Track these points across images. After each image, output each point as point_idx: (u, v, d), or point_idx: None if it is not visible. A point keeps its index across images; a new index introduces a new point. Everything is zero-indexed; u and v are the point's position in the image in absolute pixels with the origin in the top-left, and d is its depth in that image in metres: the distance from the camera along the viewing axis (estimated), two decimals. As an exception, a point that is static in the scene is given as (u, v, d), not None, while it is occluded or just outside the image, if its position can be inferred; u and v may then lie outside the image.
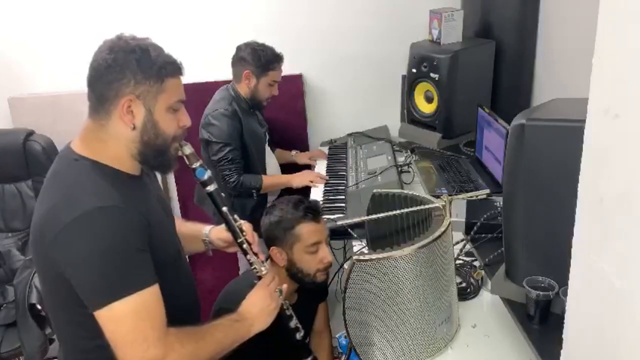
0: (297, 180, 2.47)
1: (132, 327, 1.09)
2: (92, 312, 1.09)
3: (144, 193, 1.27)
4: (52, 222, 1.10)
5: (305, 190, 2.44)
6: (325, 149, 2.87)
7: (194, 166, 1.30)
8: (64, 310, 1.19)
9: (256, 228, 1.72)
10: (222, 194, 1.37)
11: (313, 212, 1.65)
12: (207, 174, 1.33)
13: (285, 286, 1.45)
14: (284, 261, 1.65)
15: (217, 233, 1.54)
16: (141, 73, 1.14)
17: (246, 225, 1.45)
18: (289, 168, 2.75)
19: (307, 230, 1.63)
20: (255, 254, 1.42)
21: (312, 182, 2.45)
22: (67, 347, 1.27)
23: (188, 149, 1.28)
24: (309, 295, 1.80)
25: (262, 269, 1.42)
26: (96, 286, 1.09)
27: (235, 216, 1.41)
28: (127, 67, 1.13)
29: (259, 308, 1.34)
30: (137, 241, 1.12)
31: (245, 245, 1.40)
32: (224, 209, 1.37)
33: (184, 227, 1.52)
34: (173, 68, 1.19)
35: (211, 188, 1.35)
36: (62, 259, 1.09)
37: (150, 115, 1.17)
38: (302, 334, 1.56)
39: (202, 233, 1.56)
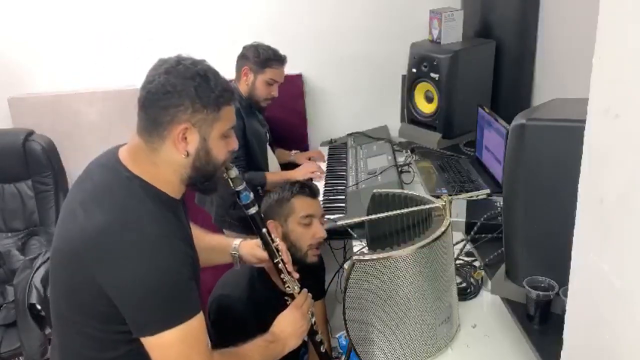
0: (300, 173, 2.49)
1: (180, 354, 1.13)
2: (138, 336, 1.11)
3: (184, 217, 1.28)
4: (103, 238, 1.09)
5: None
6: (325, 149, 2.87)
7: (238, 189, 1.33)
8: (77, 319, 1.18)
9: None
10: (262, 215, 1.43)
11: (309, 188, 1.77)
12: (251, 197, 1.36)
13: (314, 309, 1.52)
14: (279, 234, 1.67)
15: (249, 249, 1.55)
16: (199, 101, 1.12)
17: (282, 245, 1.48)
18: (289, 168, 2.75)
19: (301, 203, 1.73)
20: (289, 273, 1.47)
21: (313, 173, 2.48)
22: (68, 354, 1.26)
23: (234, 172, 1.30)
24: (307, 284, 1.81)
25: (296, 287, 1.47)
26: (148, 314, 1.11)
27: (273, 236, 1.45)
28: (185, 94, 1.11)
29: (292, 329, 1.39)
30: (188, 271, 1.14)
31: (280, 265, 1.45)
32: (264, 230, 1.41)
33: (208, 238, 1.54)
34: (230, 95, 1.18)
35: (253, 211, 1.38)
36: (111, 279, 1.09)
37: (204, 143, 1.16)
38: (325, 346, 1.63)
39: (230, 246, 1.58)
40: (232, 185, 1.31)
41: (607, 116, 0.70)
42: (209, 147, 1.17)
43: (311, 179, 2.45)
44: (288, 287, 1.47)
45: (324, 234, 1.75)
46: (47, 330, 2.22)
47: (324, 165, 2.67)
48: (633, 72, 0.64)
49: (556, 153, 1.22)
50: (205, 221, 2.56)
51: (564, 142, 1.18)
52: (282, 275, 1.46)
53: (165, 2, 2.74)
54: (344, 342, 2.39)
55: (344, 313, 1.31)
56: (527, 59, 2.50)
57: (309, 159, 2.78)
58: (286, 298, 1.50)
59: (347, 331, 1.33)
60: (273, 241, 1.44)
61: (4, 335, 2.30)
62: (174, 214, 1.20)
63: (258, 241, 1.49)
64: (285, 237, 1.69)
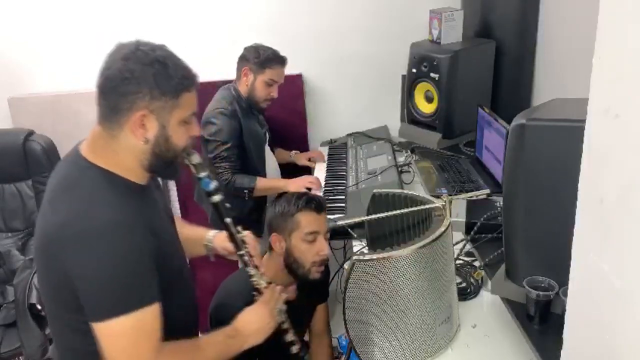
0: (293, 185, 2.40)
1: (129, 344, 1.11)
2: (92, 322, 1.10)
3: (153, 204, 1.27)
4: (66, 231, 1.09)
5: (305, 190, 2.44)
6: (325, 149, 2.87)
7: (200, 176, 1.28)
8: (64, 315, 1.19)
9: (253, 229, 1.72)
10: (227, 205, 1.36)
11: (316, 202, 1.67)
12: (213, 185, 1.31)
13: (284, 306, 1.45)
14: (282, 249, 1.66)
15: (221, 241, 1.53)
16: (158, 89, 1.11)
17: (249, 237, 1.44)
18: (288, 168, 2.75)
19: (306, 218, 1.64)
20: (256, 267, 1.41)
21: (308, 188, 2.38)
22: (63, 351, 1.27)
23: (195, 159, 1.26)
24: (309, 294, 1.80)
25: (262, 282, 1.41)
26: (100, 300, 1.10)
27: (239, 227, 1.40)
28: (143, 81, 1.10)
29: (257, 326, 1.34)
30: (146, 259, 1.13)
31: (246, 258, 1.40)
32: (227, 220, 1.35)
33: (186, 229, 1.51)
34: (189, 82, 1.17)
35: (216, 198, 1.33)
36: (73, 268, 1.09)
37: (163, 130, 1.16)
38: (298, 347, 1.56)
39: (204, 238, 1.56)
40: (194, 171, 1.27)
41: (607, 116, 0.70)
42: (168, 134, 1.16)
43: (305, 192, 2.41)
44: (254, 280, 1.41)
45: (327, 252, 1.68)
46: (47, 330, 2.22)
47: (324, 165, 2.67)
48: (633, 72, 0.64)
49: (556, 153, 1.22)
50: (205, 220, 2.56)
51: (564, 142, 1.18)
52: (248, 269, 1.41)
53: (165, 2, 2.74)
54: (344, 342, 2.39)
55: (344, 313, 1.31)
56: (527, 59, 2.50)
57: (309, 160, 2.77)
58: (254, 293, 1.42)
59: (347, 331, 1.33)
60: (239, 232, 1.38)
61: (4, 335, 2.30)
62: (140, 200, 1.19)
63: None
64: (288, 253, 1.66)
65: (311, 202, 1.66)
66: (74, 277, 1.09)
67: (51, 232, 1.12)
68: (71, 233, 1.09)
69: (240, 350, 1.32)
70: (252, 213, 2.42)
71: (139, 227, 1.13)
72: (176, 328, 1.21)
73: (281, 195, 1.74)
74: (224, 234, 1.50)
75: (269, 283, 1.44)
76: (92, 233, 1.08)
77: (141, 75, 1.10)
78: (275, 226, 1.68)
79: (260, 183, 2.38)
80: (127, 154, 1.17)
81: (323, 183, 2.45)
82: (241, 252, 1.39)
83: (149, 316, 1.12)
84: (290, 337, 1.51)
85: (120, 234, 1.09)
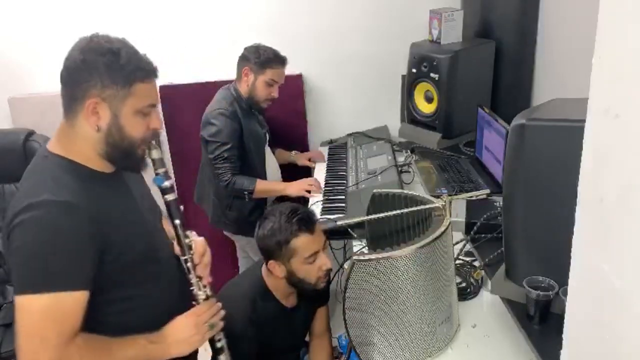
0: (292, 189, 2.40)
1: (36, 324, 1.09)
2: (14, 296, 1.10)
3: (116, 191, 1.27)
4: (9, 213, 1.13)
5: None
6: (325, 149, 2.87)
7: (156, 172, 1.29)
8: None
9: (253, 230, 1.72)
10: (181, 207, 1.33)
11: (307, 223, 1.60)
12: (167, 183, 1.29)
13: (221, 324, 1.37)
14: (282, 272, 1.63)
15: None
16: (108, 77, 1.15)
17: (199, 245, 1.39)
18: (288, 169, 2.75)
19: (303, 243, 1.59)
20: (199, 277, 1.35)
21: (307, 191, 2.38)
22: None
23: (156, 153, 1.27)
24: (309, 298, 1.80)
25: (200, 293, 1.35)
26: (20, 272, 1.10)
27: (189, 232, 1.36)
28: (95, 69, 1.14)
29: (181, 336, 1.27)
30: (84, 244, 1.12)
31: (189, 264, 1.34)
32: (176, 221, 1.32)
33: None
34: (143, 73, 1.19)
35: (169, 197, 1.31)
36: (9, 240, 1.12)
37: (115, 119, 1.18)
38: None
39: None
40: (152, 166, 1.28)
41: (607, 116, 0.70)
42: (121, 124, 1.19)
43: (304, 197, 2.39)
44: (192, 289, 1.34)
45: (330, 265, 1.65)
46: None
47: (324, 166, 2.67)
48: (633, 72, 0.64)
49: (556, 153, 1.22)
50: (206, 220, 2.56)
51: (564, 142, 1.18)
52: (189, 276, 1.34)
53: (165, 2, 2.74)
54: (344, 342, 2.39)
55: (344, 313, 1.31)
56: (527, 59, 2.50)
57: (309, 160, 2.78)
58: (193, 302, 1.34)
59: (347, 331, 1.33)
60: (187, 236, 1.34)
61: (4, 335, 2.30)
62: (101, 187, 1.21)
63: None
64: (290, 274, 1.63)
65: (302, 224, 1.58)
66: (7, 251, 1.12)
67: (6, 217, 1.15)
68: (14, 212, 1.11)
69: (162, 359, 1.25)
70: (252, 214, 2.42)
71: (85, 212, 1.13)
72: (157, 316, 1.23)
73: (266, 216, 1.65)
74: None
75: (209, 297, 1.36)
76: (27, 208, 1.10)
77: (93, 65, 1.15)
78: (270, 254, 1.63)
79: (260, 185, 2.37)
80: (83, 143, 1.20)
81: (323, 183, 2.45)
82: (185, 257, 1.34)
83: (69, 301, 1.11)
84: (224, 358, 1.42)
85: (58, 214, 1.10)
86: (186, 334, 1.28)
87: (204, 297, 1.35)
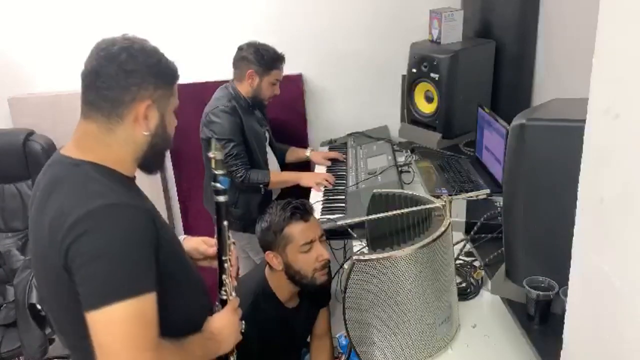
0: (306, 178, 2.46)
1: (127, 333, 1.03)
2: (86, 311, 1.04)
3: (140, 194, 1.26)
4: (61, 221, 1.06)
5: (307, 191, 2.44)
6: (325, 149, 2.87)
7: (219, 172, 1.27)
8: (68, 310, 1.14)
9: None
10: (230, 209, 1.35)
11: (301, 211, 1.62)
12: (227, 185, 1.29)
13: (244, 324, 1.38)
14: (280, 264, 1.63)
15: (194, 244, 1.48)
16: (161, 78, 1.16)
17: (234, 249, 1.39)
18: (288, 169, 2.75)
19: (297, 230, 1.60)
20: (232, 276, 1.36)
21: (319, 184, 2.42)
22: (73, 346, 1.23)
23: (221, 155, 1.27)
24: (311, 299, 1.80)
25: (233, 293, 1.36)
26: (97, 284, 1.04)
27: (229, 234, 1.36)
28: (147, 71, 1.14)
29: (229, 330, 1.28)
30: (146, 245, 1.09)
31: (226, 265, 1.34)
32: (225, 223, 1.32)
33: None
34: (177, 72, 1.22)
35: (222, 199, 1.30)
36: (72, 255, 1.05)
37: (162, 120, 1.19)
38: None
39: None
40: (213, 166, 1.26)
41: (607, 116, 0.70)
42: (165, 124, 1.21)
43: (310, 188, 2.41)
44: (225, 290, 1.34)
45: (327, 256, 1.64)
46: (47, 330, 2.22)
47: (324, 166, 2.67)
48: (633, 72, 0.64)
49: (556, 153, 1.22)
50: (206, 221, 2.56)
51: (564, 142, 1.18)
52: (223, 276, 1.34)
53: (165, 2, 2.74)
54: (344, 342, 2.39)
55: (344, 313, 1.31)
56: (527, 59, 2.50)
57: (329, 159, 2.74)
58: (217, 304, 1.35)
59: (347, 331, 1.33)
60: (229, 238, 1.34)
61: (4, 335, 2.30)
62: (131, 189, 1.20)
63: (204, 238, 1.45)
64: (287, 267, 1.63)
65: (296, 212, 1.60)
66: (72, 259, 1.04)
67: (46, 227, 1.09)
68: (69, 222, 1.05)
69: (215, 356, 1.25)
70: (262, 207, 2.42)
71: (138, 212, 1.10)
72: (184, 329, 1.19)
73: (265, 211, 1.69)
74: (194, 238, 1.46)
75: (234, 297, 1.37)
76: (90, 215, 1.04)
77: (144, 67, 1.14)
78: (268, 244, 1.64)
79: (274, 177, 2.43)
80: (122, 147, 1.17)
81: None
82: (225, 258, 1.34)
83: (148, 305, 1.06)
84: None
85: (119, 217, 1.07)
86: (234, 328, 1.31)
87: (233, 298, 1.35)
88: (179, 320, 1.20)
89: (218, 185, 1.28)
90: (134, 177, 1.25)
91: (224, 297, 1.34)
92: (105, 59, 1.14)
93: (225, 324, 1.29)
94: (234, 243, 1.36)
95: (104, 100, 1.15)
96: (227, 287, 1.34)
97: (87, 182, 1.12)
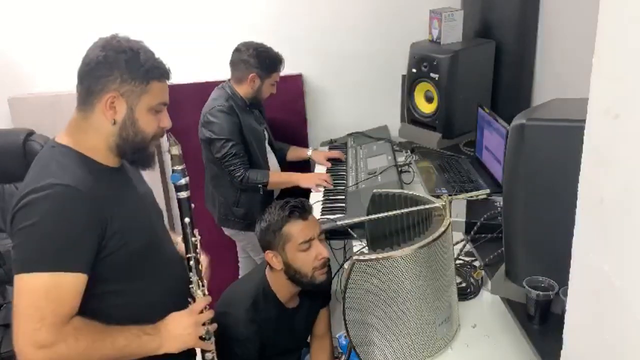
0: (305, 180, 2.46)
1: (35, 303, 1.11)
2: (13, 274, 1.12)
3: (120, 184, 1.30)
4: (18, 193, 1.17)
5: (307, 190, 2.44)
6: (325, 149, 2.87)
7: (173, 168, 1.32)
8: None
9: None
10: (192, 205, 1.36)
11: (299, 209, 1.61)
12: (183, 180, 1.33)
13: (214, 326, 1.38)
14: (280, 264, 1.63)
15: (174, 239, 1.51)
16: (128, 73, 1.21)
17: (203, 256, 1.41)
18: (289, 169, 2.75)
19: (295, 229, 1.60)
20: (199, 276, 1.37)
21: (318, 185, 2.41)
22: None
23: (177, 150, 1.32)
24: (311, 299, 1.80)
25: (199, 292, 1.37)
26: (22, 252, 1.13)
27: (196, 231, 1.38)
28: (116, 65, 1.20)
29: (177, 332, 1.28)
30: (82, 226, 1.15)
31: (192, 262, 1.36)
32: (186, 220, 1.35)
33: None
34: (159, 72, 1.26)
35: (182, 195, 1.34)
36: (14, 222, 1.15)
37: (131, 113, 1.24)
38: None
39: None
40: (171, 161, 1.32)
41: (607, 116, 0.70)
42: (135, 118, 1.25)
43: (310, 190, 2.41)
44: (192, 287, 1.36)
45: (326, 254, 1.63)
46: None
47: (324, 166, 2.67)
48: (633, 72, 0.64)
49: (556, 153, 1.22)
50: (208, 222, 2.56)
51: (564, 142, 1.18)
52: (190, 274, 1.36)
53: (165, 2, 2.74)
54: (344, 342, 2.39)
55: (344, 313, 1.31)
56: (527, 59, 2.50)
57: (328, 160, 2.74)
58: (189, 300, 1.36)
59: (347, 331, 1.33)
60: (194, 235, 1.36)
61: (4, 335, 2.30)
62: (104, 180, 1.24)
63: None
64: (287, 266, 1.62)
65: (295, 211, 1.60)
66: (12, 233, 1.14)
67: (13, 204, 1.18)
68: (21, 194, 1.15)
69: (155, 353, 1.25)
70: (264, 205, 2.42)
71: (88, 197, 1.16)
72: (155, 312, 1.26)
73: (264, 212, 1.68)
74: (180, 237, 1.46)
75: (205, 296, 1.38)
76: (32, 192, 1.13)
77: (114, 60, 1.21)
78: (267, 243, 1.64)
79: (273, 177, 2.43)
80: (95, 135, 1.25)
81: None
82: (189, 256, 1.36)
83: (68, 282, 1.13)
84: (211, 355, 1.42)
85: (61, 196, 1.14)
86: (186, 330, 1.30)
87: (201, 296, 1.38)
88: (140, 304, 1.27)
89: (173, 182, 1.33)
90: (118, 167, 1.30)
91: (193, 295, 1.38)
92: (88, 52, 1.24)
93: (176, 324, 1.29)
94: (200, 242, 1.38)
95: (82, 89, 1.24)
96: (194, 285, 1.38)
97: (51, 162, 1.21)
